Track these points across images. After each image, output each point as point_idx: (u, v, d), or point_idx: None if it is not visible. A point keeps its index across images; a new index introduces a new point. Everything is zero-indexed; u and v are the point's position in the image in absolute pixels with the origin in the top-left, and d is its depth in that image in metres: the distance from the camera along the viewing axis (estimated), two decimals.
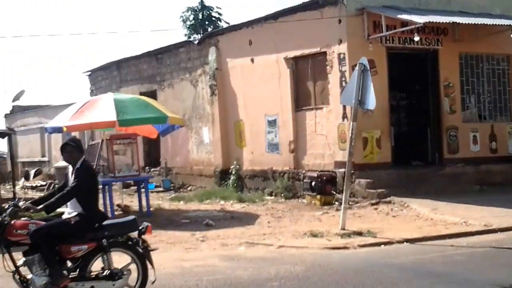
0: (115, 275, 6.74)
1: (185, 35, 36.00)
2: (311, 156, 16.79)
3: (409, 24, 14.97)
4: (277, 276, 7.96)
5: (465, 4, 16.88)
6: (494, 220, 11.68)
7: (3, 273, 6.80)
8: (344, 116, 15.49)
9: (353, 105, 11.45)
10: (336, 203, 14.73)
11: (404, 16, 14.98)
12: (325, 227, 11.88)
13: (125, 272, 6.86)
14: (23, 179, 28.47)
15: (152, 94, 21.84)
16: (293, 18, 16.70)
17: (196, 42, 21.52)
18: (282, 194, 17.10)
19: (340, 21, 15.57)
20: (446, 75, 16.69)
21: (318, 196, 15.08)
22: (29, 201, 7.00)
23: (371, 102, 11.28)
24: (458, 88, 16.89)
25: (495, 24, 15.93)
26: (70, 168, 7.00)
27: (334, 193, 15.06)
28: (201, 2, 36.96)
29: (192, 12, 36.57)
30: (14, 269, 6.49)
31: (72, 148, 6.96)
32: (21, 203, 6.81)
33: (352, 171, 12.25)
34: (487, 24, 15.60)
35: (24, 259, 6.52)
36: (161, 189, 21.33)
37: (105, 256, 6.76)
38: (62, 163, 27.26)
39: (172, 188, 21.58)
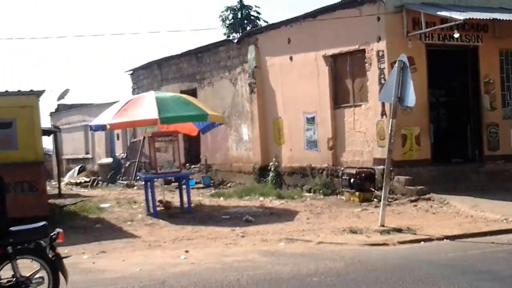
0: (22, 283, 6.47)
1: (224, 34, 36.28)
2: (350, 153, 16.84)
3: (449, 21, 14.89)
4: (316, 272, 8.07)
5: (505, 0, 16.73)
6: None
7: None
8: (383, 113, 15.50)
9: (392, 102, 11.51)
10: (375, 200, 14.78)
11: (444, 13, 14.91)
12: (364, 223, 11.96)
13: (33, 281, 6.56)
14: (67, 175, 29.15)
15: (192, 92, 22.09)
16: (332, 16, 16.76)
17: (235, 41, 21.71)
18: (321, 191, 17.18)
19: (379, 18, 15.58)
20: (486, 71, 16.56)
21: (357, 193, 15.14)
22: None
23: (411, 99, 11.31)
24: (498, 85, 16.73)
25: None
26: None
27: (373, 190, 15.10)
28: (240, 2, 37.19)
29: (231, 12, 36.82)
30: None
31: None
32: None
33: (391, 168, 12.28)
34: None
35: None
36: (201, 185, 21.59)
37: (13, 263, 6.46)
38: (106, 160, 27.90)
39: (212, 184, 21.83)
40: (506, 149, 16.61)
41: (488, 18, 15.25)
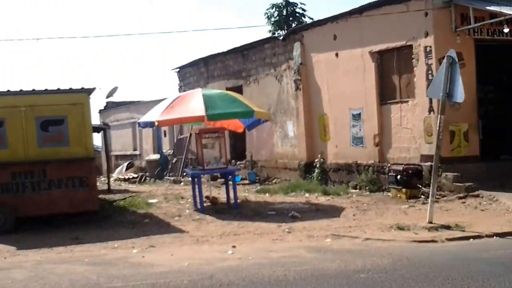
0: None
1: (269, 31, 36.27)
2: (396, 149, 16.73)
3: (498, 15, 14.67)
4: (364, 268, 8.06)
5: None
6: None
7: None
8: (430, 110, 15.36)
9: (440, 98, 11.41)
10: (422, 196, 14.67)
11: (493, 7, 14.68)
12: (412, 220, 11.88)
13: None
14: (116, 171, 29.63)
15: (238, 89, 22.24)
16: (379, 12, 16.65)
17: (281, 38, 21.75)
18: (367, 187, 17.13)
19: (426, 14, 15.42)
20: None
21: (404, 190, 15.04)
22: None
23: (459, 95, 11.20)
24: None
25: None
26: None
27: (420, 186, 14.99)
28: None
29: (277, 9, 36.79)
30: None
31: None
32: None
33: (439, 165, 12.16)
34: None
35: None
36: (246, 181, 21.73)
37: None
38: (153, 156, 28.29)
39: (257, 180, 21.94)
40: None
41: None
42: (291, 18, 36.96)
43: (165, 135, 30.28)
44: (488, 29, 15.44)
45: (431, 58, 15.25)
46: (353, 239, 10.47)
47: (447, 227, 10.98)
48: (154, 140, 31.39)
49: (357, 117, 18.04)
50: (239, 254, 9.40)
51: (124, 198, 16.36)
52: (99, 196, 14.53)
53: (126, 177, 26.96)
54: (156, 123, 14.63)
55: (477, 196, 14.09)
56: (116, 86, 38.30)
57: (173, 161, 26.30)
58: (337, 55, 18.71)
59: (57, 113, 13.07)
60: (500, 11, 14.42)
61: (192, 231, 11.95)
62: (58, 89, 13.38)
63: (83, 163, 13.11)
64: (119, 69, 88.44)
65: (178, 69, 28.78)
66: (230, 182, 15.04)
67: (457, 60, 11.39)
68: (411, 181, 15.04)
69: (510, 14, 14.18)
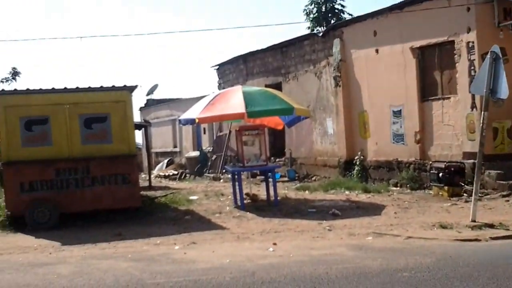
0: None
1: (308, 28, 36.17)
2: (438, 146, 16.56)
3: None
4: (406, 267, 7.98)
5: None
6: None
7: None
8: (473, 106, 15.16)
9: (484, 95, 11.26)
10: (465, 194, 14.50)
11: None
12: (454, 218, 11.75)
13: None
14: (156, 168, 29.91)
15: (277, 86, 22.23)
16: (420, 8, 16.47)
17: (320, 34, 21.67)
18: (408, 185, 16.99)
19: (468, 9, 15.22)
20: None
21: (446, 188, 14.88)
22: None
23: (503, 91, 11.04)
24: None
25: None
26: None
27: (463, 184, 14.81)
28: None
29: (316, 5, 36.69)
30: None
31: None
32: None
33: (482, 162, 12.00)
34: None
35: None
36: (286, 179, 21.71)
37: None
38: (193, 153, 28.48)
39: (296, 178, 21.92)
40: None
41: None
42: (330, 15, 36.82)
43: (204, 132, 30.45)
44: None
45: (474, 54, 15.06)
46: (395, 237, 10.39)
47: (491, 226, 10.82)
48: (194, 137, 31.59)
49: (397, 114, 17.89)
50: (280, 252, 9.41)
51: (166, 195, 16.50)
52: (141, 192, 14.68)
53: (166, 174, 27.21)
54: (197, 120, 14.71)
55: None
56: (156, 83, 38.63)
57: (213, 158, 26.44)
58: (377, 51, 18.58)
59: (100, 111, 13.27)
60: None
61: (232, 228, 12.02)
62: (101, 86, 13.57)
63: (125, 160, 13.28)
64: (159, 67, 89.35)
65: (218, 67, 28.90)
66: (270, 179, 15.05)
67: (500, 55, 11.22)
68: (453, 179, 14.87)
69: None
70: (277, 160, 23.48)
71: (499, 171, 14.67)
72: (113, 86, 13.54)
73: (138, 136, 28.34)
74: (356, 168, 19.22)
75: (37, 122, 12.96)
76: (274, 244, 10.06)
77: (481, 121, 11.30)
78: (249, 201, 15.07)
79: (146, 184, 19.82)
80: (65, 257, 9.72)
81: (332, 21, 33.95)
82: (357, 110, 19.69)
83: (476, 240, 9.88)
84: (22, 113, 12.88)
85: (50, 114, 13.00)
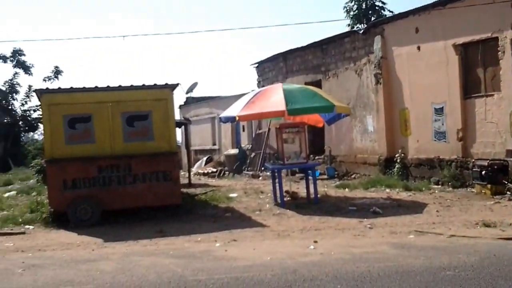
0: None
1: (348, 25, 35.96)
2: (481, 144, 16.29)
3: None
4: (450, 265, 7.89)
5: None
6: None
7: None
8: None
9: None
10: (508, 193, 14.29)
11: None
12: (498, 217, 11.58)
13: None
14: (195, 166, 30.06)
15: (317, 84, 22.14)
16: (463, 4, 16.21)
17: (361, 31, 21.51)
18: (449, 183, 16.77)
19: None
20: None
21: (489, 186, 14.67)
22: None
23: None
24: None
25: None
26: None
27: (506, 182, 14.57)
28: None
29: (356, 2, 36.45)
30: None
31: None
32: None
33: None
34: None
35: None
36: (325, 176, 21.62)
37: None
38: (232, 151, 28.56)
39: (336, 175, 21.81)
40: None
41: None
42: (370, 12, 36.53)
43: (243, 130, 30.51)
44: None
45: None
46: (437, 236, 10.29)
47: None
48: (233, 135, 31.67)
49: (439, 111, 17.66)
50: (321, 249, 9.39)
51: (205, 192, 16.59)
52: (181, 190, 14.77)
53: (205, 171, 27.32)
54: (237, 118, 14.75)
55: None
56: (195, 82, 38.89)
57: (252, 155, 26.47)
58: (419, 48, 18.36)
59: (142, 109, 13.39)
60: None
61: (273, 226, 12.03)
62: (143, 85, 13.68)
63: (166, 158, 13.38)
64: (199, 65, 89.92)
65: (257, 64, 28.92)
66: (310, 177, 15.01)
67: None
68: (497, 177, 14.65)
69: None
70: (316, 158, 23.39)
71: None
72: (155, 84, 13.64)
73: (178, 133, 28.54)
74: (397, 166, 19.05)
75: (80, 120, 13.14)
76: (315, 242, 10.04)
77: None
78: (289, 198, 15.06)
79: (186, 181, 19.94)
80: (107, 253, 9.84)
81: (373, 18, 33.66)
82: (398, 107, 19.50)
83: None
84: (66, 111, 13.07)
85: (93, 112, 13.17)
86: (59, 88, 13.70)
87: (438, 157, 17.66)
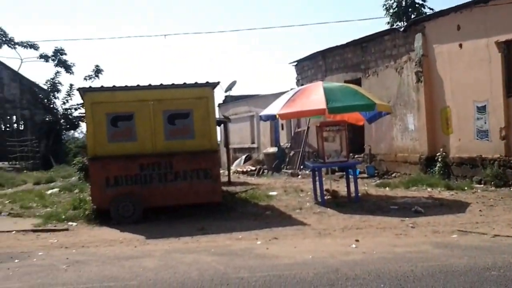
0: None
1: (388, 23, 35.68)
2: None
3: None
4: (495, 266, 7.77)
5: None
6: None
7: None
8: None
9: None
10: None
11: None
12: None
13: None
14: (234, 164, 30.14)
15: (357, 82, 21.99)
16: (506, 1, 15.95)
17: (401, 29, 21.32)
18: (492, 183, 16.51)
19: None
20: None
21: None
22: None
23: None
24: None
25: None
26: None
27: None
28: None
29: (395, 0, 36.15)
30: None
31: None
32: None
33: None
34: None
35: None
36: (365, 175, 21.49)
37: None
38: (271, 149, 28.58)
39: (376, 174, 21.67)
40: None
41: None
42: (410, 9, 36.16)
43: (282, 128, 30.49)
44: None
45: None
46: (480, 236, 10.15)
47: None
48: (272, 133, 31.66)
49: (482, 109, 17.40)
50: (363, 248, 9.33)
51: (246, 191, 16.64)
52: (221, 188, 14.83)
53: (244, 169, 27.37)
54: (277, 116, 14.75)
55: None
56: (234, 80, 39.00)
57: (290, 154, 26.44)
58: (460, 45, 18.12)
59: (183, 107, 13.48)
60: None
61: (313, 224, 12.01)
62: (184, 83, 13.77)
63: (207, 156, 13.45)
64: (238, 63, 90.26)
65: (296, 63, 28.87)
66: (351, 176, 14.94)
67: None
68: None
69: None
70: (356, 156, 23.25)
71: None
72: (196, 83, 13.72)
73: (218, 132, 28.67)
74: (438, 164, 18.83)
75: (123, 118, 13.29)
76: (357, 240, 9.99)
77: None
78: (329, 197, 15.03)
79: (225, 179, 20.02)
80: (149, 250, 9.93)
81: (412, 16, 33.32)
82: (439, 105, 19.27)
83: None
84: (108, 109, 13.24)
85: (135, 111, 13.31)
86: (102, 86, 13.87)
87: (481, 156, 17.41)
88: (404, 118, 20.92)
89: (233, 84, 38.39)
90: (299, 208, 13.90)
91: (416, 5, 36.32)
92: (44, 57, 45.50)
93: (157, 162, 13.28)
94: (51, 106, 45.28)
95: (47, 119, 44.94)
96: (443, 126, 19.17)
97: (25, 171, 33.19)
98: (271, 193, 15.99)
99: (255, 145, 33.63)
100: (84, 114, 13.95)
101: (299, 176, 22.29)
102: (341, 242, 10.04)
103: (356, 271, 7.77)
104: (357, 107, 14.55)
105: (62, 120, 45.34)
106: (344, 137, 14.76)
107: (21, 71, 47.06)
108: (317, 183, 14.69)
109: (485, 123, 17.30)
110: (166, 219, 13.22)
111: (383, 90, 21.60)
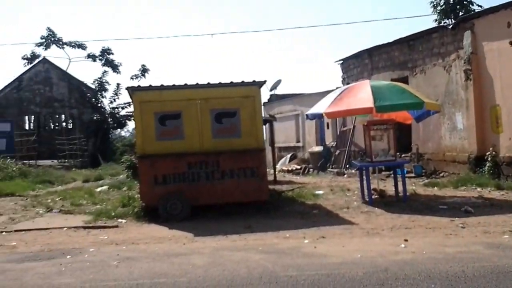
0: None
1: (435, 20, 35.14)
2: None
3: None
4: None
5: None
6: None
7: None
8: None
9: None
10: None
11: None
12: None
13: None
14: (279, 163, 30.13)
15: (404, 81, 21.73)
16: None
17: (450, 26, 21.00)
18: None
19: None
20: None
21: None
22: None
23: None
24: None
25: None
26: None
27: None
28: None
29: None
30: None
31: None
32: None
33: None
34: None
35: None
36: (412, 174, 21.23)
37: None
38: (316, 148, 28.49)
39: (423, 174, 21.40)
40: None
41: None
42: (458, 7, 35.56)
43: (328, 127, 30.35)
44: None
45: None
46: None
47: None
48: (317, 132, 31.54)
49: None
50: (412, 248, 9.24)
51: (292, 189, 16.62)
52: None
53: (290, 168, 27.35)
54: (324, 115, 14.69)
55: None
56: (279, 79, 38.98)
57: (336, 153, 26.31)
58: (511, 43, 17.75)
59: (230, 106, 13.55)
60: None
61: (361, 223, 11.93)
62: (231, 82, 13.84)
63: (254, 154, 13.48)
64: (283, 62, 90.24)
65: (342, 61, 28.71)
66: (398, 175, 14.79)
67: None
68: None
69: None
70: (403, 155, 23.00)
71: None
72: (243, 82, 13.77)
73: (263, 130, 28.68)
74: (488, 164, 18.48)
75: (171, 116, 13.43)
76: (406, 240, 9.90)
77: None
78: (376, 196, 14.91)
79: (271, 178, 20.02)
80: (198, 248, 10.02)
81: (461, 13, 32.77)
82: (489, 104, 18.93)
83: None
84: (156, 108, 13.39)
85: (182, 109, 13.43)
86: (150, 85, 14.03)
87: None
88: (452, 117, 20.62)
89: (278, 82, 38.39)
90: (346, 207, 13.83)
91: (465, 2, 35.69)
92: (92, 57, 46.33)
93: (204, 160, 13.36)
94: (99, 105, 46.05)
95: (95, 118, 45.71)
96: (492, 125, 18.83)
97: (74, 169, 33.83)
98: (317, 192, 15.94)
99: (300, 144, 33.56)
100: (132, 113, 14.14)
101: (345, 175, 22.17)
102: (390, 241, 9.96)
103: (405, 271, 7.72)
104: (405, 105, 14.36)
105: (109, 119, 46.08)
106: (391, 136, 14.62)
107: (69, 71, 47.98)
108: (365, 182, 14.59)
109: None
110: (213, 217, 13.30)
111: (430, 88, 21.32)
